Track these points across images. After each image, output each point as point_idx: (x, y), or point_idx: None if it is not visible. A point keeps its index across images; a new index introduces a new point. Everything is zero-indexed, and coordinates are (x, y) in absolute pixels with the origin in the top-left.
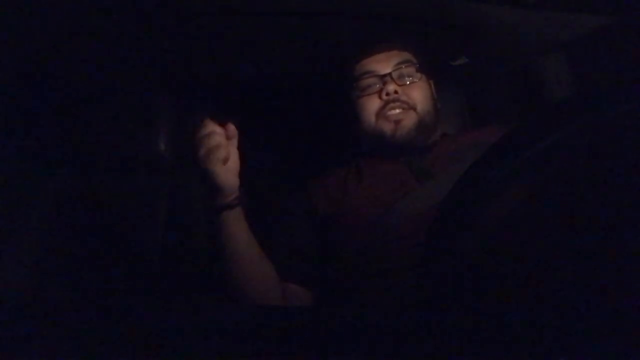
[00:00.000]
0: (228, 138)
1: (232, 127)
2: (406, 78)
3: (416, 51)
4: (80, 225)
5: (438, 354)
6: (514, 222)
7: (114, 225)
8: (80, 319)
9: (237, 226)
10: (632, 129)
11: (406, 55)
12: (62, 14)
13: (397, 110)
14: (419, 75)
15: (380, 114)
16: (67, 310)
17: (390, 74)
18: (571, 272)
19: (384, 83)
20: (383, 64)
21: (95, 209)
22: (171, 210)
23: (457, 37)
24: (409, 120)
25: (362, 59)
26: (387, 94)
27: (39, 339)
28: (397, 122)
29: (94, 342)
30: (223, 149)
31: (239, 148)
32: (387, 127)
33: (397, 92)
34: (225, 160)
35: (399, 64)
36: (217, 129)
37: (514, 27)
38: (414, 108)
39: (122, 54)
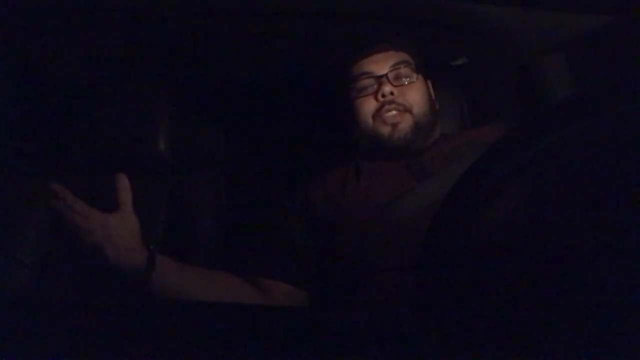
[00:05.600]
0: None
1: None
2: (403, 79)
3: (413, 51)
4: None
5: (437, 354)
6: (514, 222)
7: None
8: (80, 319)
9: (175, 274)
10: (632, 129)
11: (403, 56)
12: (63, 12)
13: (393, 112)
14: (415, 75)
15: (377, 115)
16: (67, 310)
17: (386, 74)
18: (571, 271)
19: (380, 84)
20: (379, 64)
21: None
22: (171, 210)
23: (456, 37)
24: (406, 123)
25: (359, 59)
26: (383, 95)
27: (39, 339)
28: (394, 125)
29: (94, 342)
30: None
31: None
32: (384, 130)
33: (393, 94)
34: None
35: (395, 64)
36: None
37: (513, 27)
38: (410, 110)
39: (122, 53)
